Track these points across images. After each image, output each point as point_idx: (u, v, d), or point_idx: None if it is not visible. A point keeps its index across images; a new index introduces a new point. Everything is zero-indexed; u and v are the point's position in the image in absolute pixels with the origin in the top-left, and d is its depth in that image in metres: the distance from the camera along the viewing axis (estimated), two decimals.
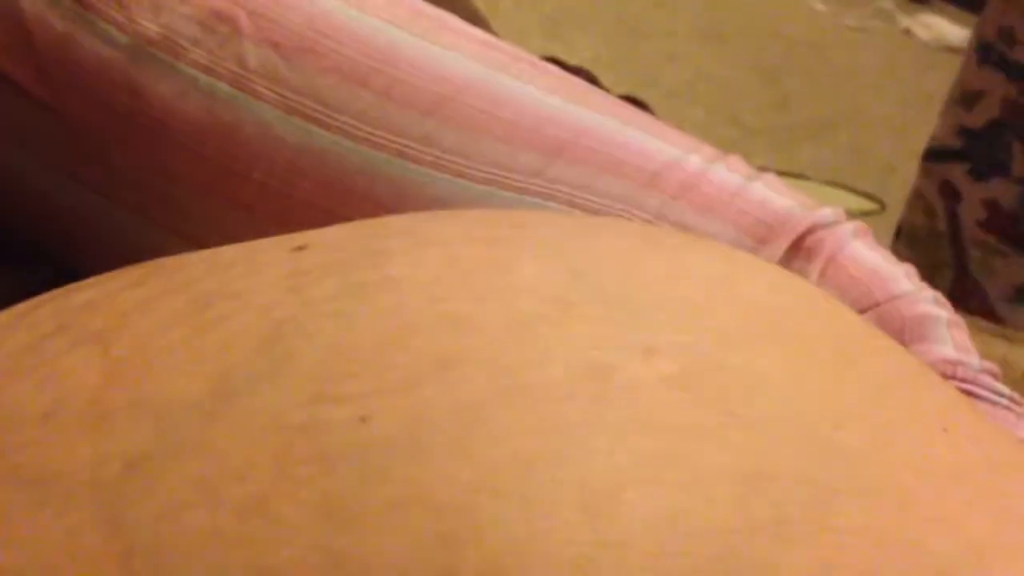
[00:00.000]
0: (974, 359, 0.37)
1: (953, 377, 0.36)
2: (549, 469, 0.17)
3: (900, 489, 0.19)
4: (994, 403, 0.36)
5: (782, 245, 0.38)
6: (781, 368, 0.21)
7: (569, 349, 0.20)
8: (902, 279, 0.38)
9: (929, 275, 0.40)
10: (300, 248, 0.23)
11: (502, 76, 0.40)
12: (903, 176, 1.70)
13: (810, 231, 0.38)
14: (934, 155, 1.04)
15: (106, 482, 0.18)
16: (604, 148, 0.39)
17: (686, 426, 0.18)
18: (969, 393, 0.36)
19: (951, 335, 0.37)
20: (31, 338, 0.22)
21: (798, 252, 0.38)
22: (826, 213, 0.39)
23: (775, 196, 0.39)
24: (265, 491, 0.17)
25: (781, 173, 0.43)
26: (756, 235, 0.38)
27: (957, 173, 1.01)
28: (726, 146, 0.42)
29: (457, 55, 0.40)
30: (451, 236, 0.24)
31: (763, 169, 0.41)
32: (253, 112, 0.39)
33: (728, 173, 0.40)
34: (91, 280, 0.25)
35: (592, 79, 0.54)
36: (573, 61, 0.62)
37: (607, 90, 0.47)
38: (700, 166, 0.39)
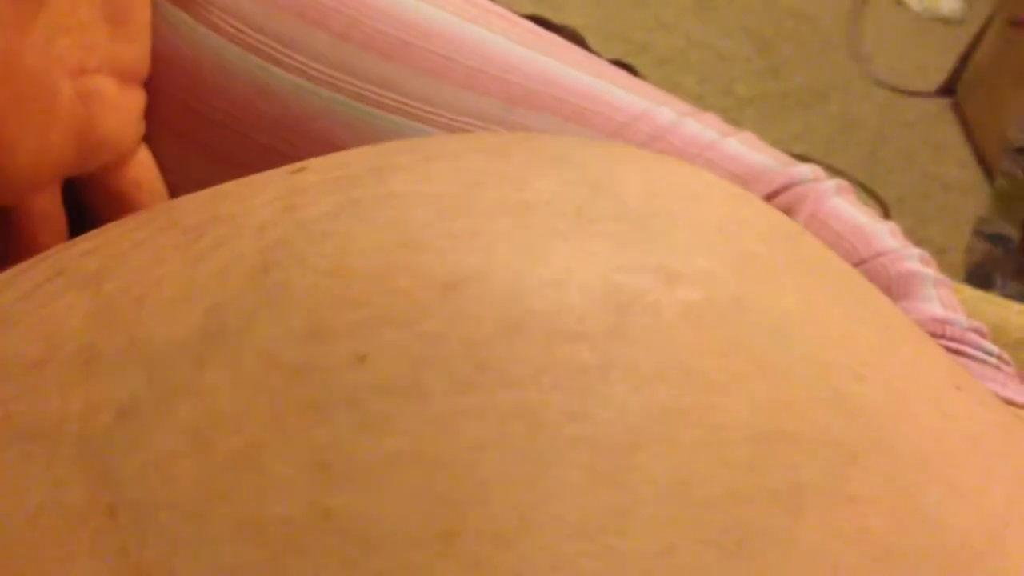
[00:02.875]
0: (961, 317, 0.36)
1: (942, 336, 0.35)
2: (558, 424, 0.16)
3: (919, 454, 0.18)
4: (983, 361, 0.35)
5: None
6: (804, 305, 0.19)
7: (588, 269, 0.18)
8: (887, 236, 0.38)
9: None
10: (299, 170, 0.22)
11: (469, 24, 0.39)
12: (894, 146, 1.70)
13: (786, 187, 0.38)
14: None
15: (95, 433, 0.17)
16: (571, 98, 0.38)
17: (707, 373, 0.17)
18: (958, 352, 0.35)
19: (938, 293, 0.37)
20: (28, 287, 0.21)
21: (776, 207, 0.37)
22: (803, 170, 0.38)
23: (749, 152, 0.38)
24: (257, 441, 0.16)
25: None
26: None
27: None
28: (717, 113, 0.41)
29: (421, 3, 0.39)
30: (460, 149, 0.22)
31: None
32: (213, 47, 0.38)
33: (700, 128, 0.39)
34: (96, 230, 0.24)
35: (578, 38, 0.53)
36: None
37: (596, 53, 0.46)
38: (671, 119, 0.38)
